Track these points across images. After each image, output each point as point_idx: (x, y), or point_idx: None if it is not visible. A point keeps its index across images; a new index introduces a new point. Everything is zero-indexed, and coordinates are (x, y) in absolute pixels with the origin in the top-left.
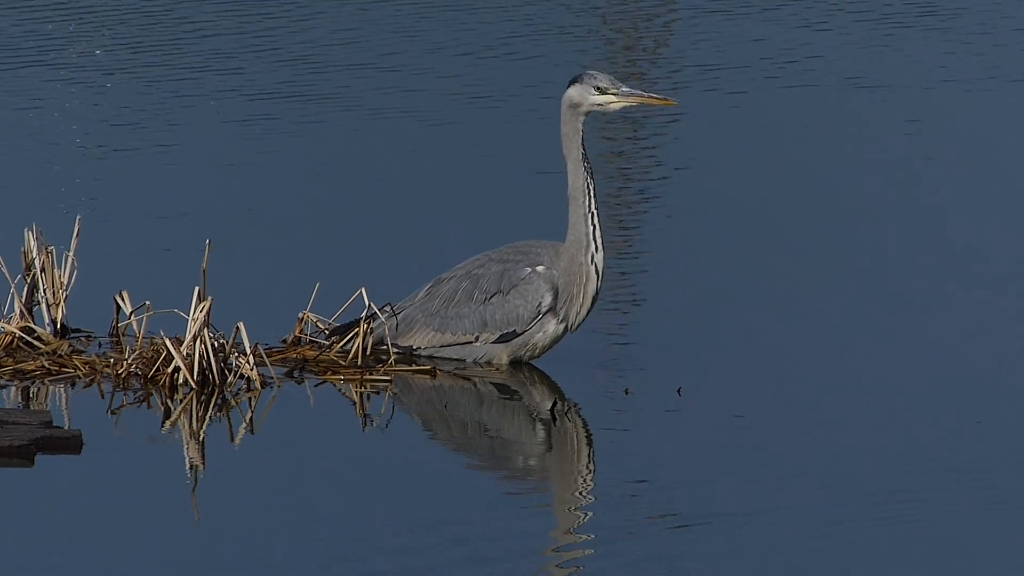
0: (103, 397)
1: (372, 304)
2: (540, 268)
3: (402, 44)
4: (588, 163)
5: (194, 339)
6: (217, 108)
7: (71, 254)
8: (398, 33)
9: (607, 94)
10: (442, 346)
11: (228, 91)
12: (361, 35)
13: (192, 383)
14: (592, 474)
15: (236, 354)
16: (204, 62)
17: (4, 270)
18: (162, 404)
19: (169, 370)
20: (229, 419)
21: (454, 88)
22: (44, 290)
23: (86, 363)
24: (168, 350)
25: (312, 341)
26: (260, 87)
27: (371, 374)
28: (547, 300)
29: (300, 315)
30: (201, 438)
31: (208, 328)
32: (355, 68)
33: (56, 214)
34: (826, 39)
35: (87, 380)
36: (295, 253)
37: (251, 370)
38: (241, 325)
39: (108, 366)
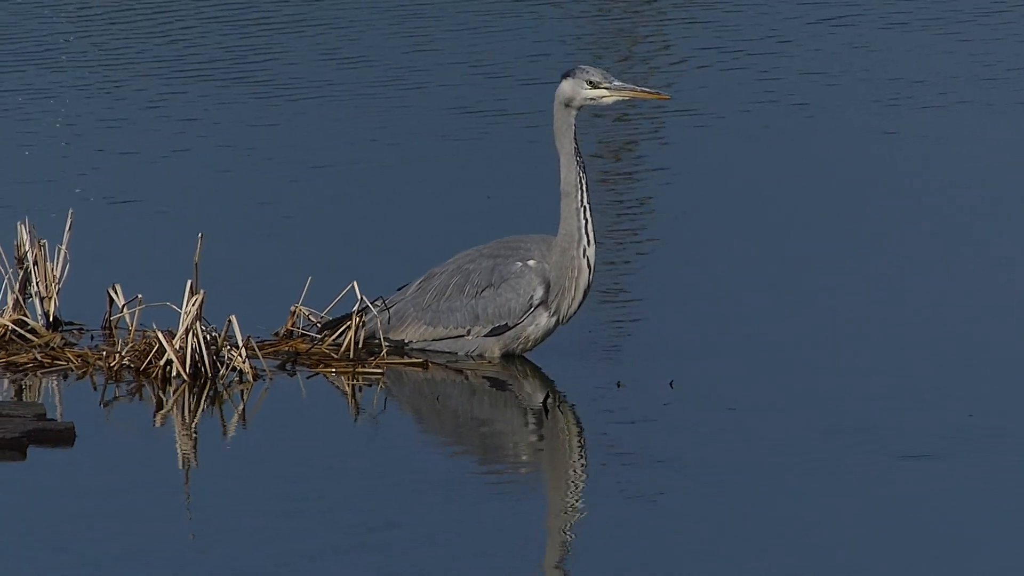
0: (95, 389)
1: (364, 298)
2: (531, 263)
3: (395, 40)
4: (580, 157)
5: (186, 332)
6: (210, 102)
7: (64, 247)
8: (390, 28)
9: (599, 88)
10: (434, 339)
11: (222, 85)
12: (357, 28)
13: (184, 376)
14: (584, 466)
15: (228, 347)
16: (191, 53)
17: (3, 260)
18: (154, 397)
19: (161, 363)
20: (221, 412)
21: (447, 83)
22: (36, 283)
23: (79, 356)
24: (160, 343)
25: (304, 334)
26: (256, 81)
27: (363, 367)
28: (539, 293)
29: (292, 308)
30: (193, 431)
31: (200, 321)
32: (347, 60)
33: (49, 207)
34: (820, 33)
35: (79, 373)
36: (287, 247)
37: (243, 363)
38: (233, 318)
39: (100, 359)
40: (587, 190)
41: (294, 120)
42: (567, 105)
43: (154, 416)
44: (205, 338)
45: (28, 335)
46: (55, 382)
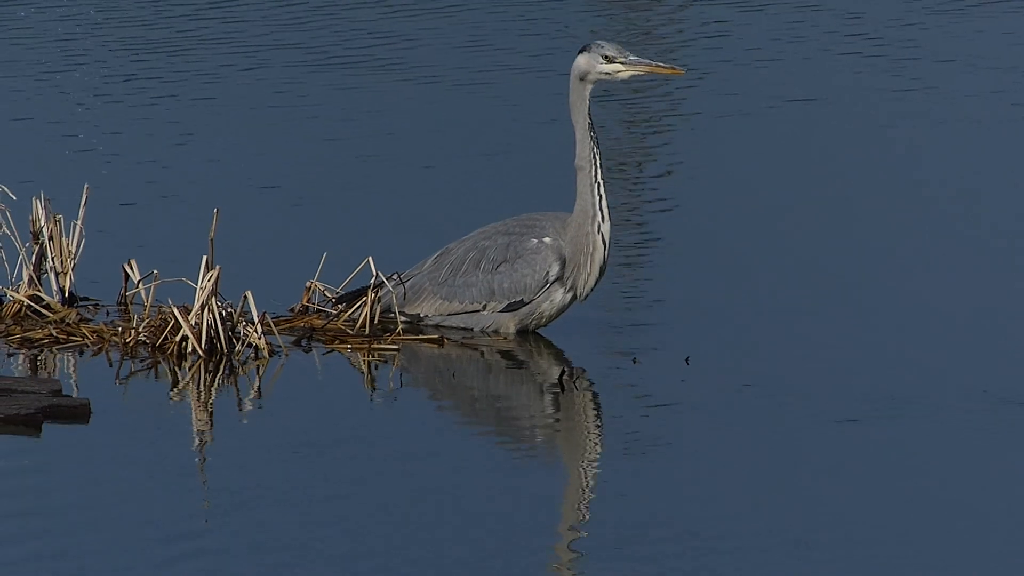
0: (111, 365)
1: (379, 273)
2: (547, 239)
3: (414, 18)
4: (594, 133)
5: (202, 308)
6: (226, 79)
7: (79, 223)
8: (411, 6)
9: (615, 63)
10: (449, 314)
11: (238, 63)
12: (383, 4)
13: (200, 352)
14: (599, 441)
15: (244, 323)
16: (213, 31)
17: (15, 238)
18: (170, 373)
19: (177, 339)
20: (237, 388)
21: (463, 60)
22: (52, 259)
23: (94, 332)
24: (176, 319)
25: (320, 310)
26: (273, 57)
27: (379, 343)
28: (555, 270)
29: (308, 284)
30: (209, 407)
31: (216, 297)
32: (371, 35)
33: (64, 183)
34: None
35: (95, 349)
36: (303, 222)
37: (259, 339)
38: (249, 294)
39: (116, 335)
40: (601, 166)
41: (327, 97)
42: (582, 79)
43: (170, 392)
44: (221, 314)
45: (43, 311)
46: (70, 358)
